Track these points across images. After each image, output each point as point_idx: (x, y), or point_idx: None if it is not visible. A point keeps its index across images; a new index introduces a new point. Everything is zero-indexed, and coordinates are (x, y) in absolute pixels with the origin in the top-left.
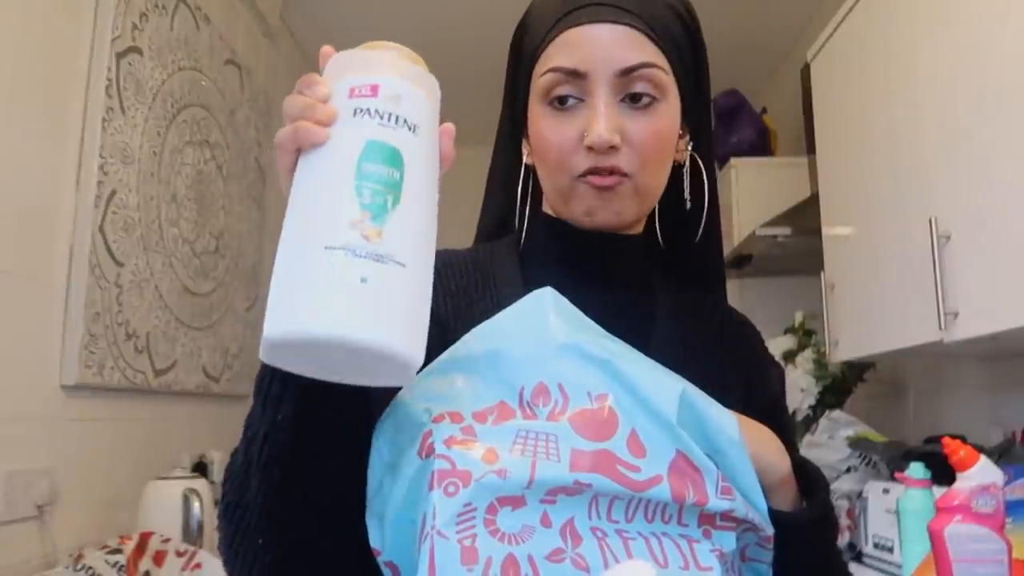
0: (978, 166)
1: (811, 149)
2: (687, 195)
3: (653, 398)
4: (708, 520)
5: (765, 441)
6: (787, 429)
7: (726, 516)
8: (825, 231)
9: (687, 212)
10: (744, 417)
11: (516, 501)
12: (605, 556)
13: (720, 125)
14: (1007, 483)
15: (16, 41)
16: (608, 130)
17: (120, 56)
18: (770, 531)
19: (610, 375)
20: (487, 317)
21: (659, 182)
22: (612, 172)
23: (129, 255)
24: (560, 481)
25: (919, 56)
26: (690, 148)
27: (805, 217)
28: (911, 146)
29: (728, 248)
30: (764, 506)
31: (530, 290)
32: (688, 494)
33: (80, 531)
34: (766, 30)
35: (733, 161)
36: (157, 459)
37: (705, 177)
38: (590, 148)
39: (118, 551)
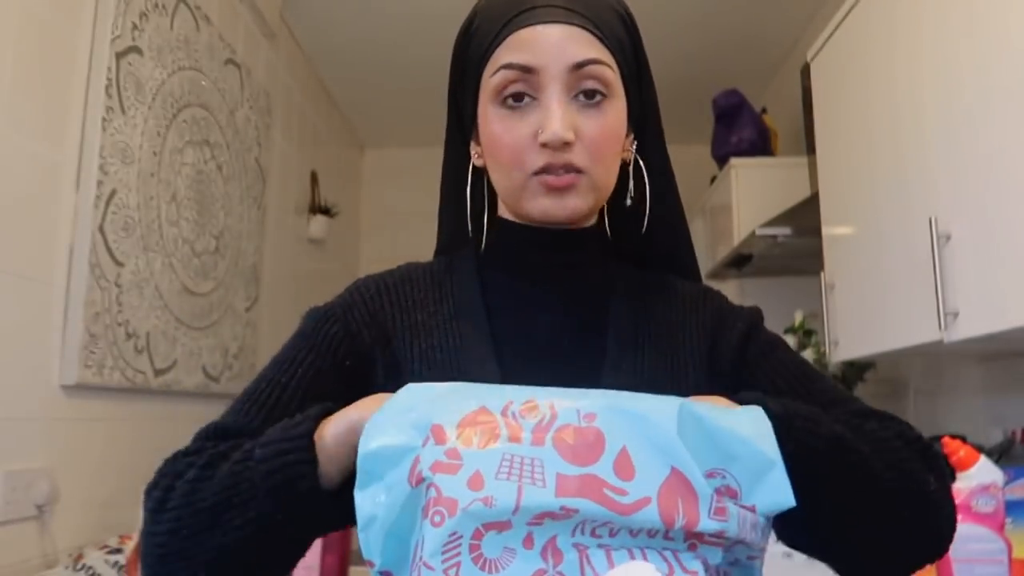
0: (978, 166)
1: (811, 149)
2: (631, 193)
3: (649, 412)
4: (695, 536)
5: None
6: (788, 362)
7: (719, 535)
8: (825, 231)
9: (636, 209)
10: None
11: (502, 525)
12: (584, 570)
13: (720, 125)
14: (1007, 483)
15: (16, 41)
16: (563, 127)
17: (120, 56)
18: (764, 543)
19: (602, 395)
20: (445, 329)
21: (611, 178)
22: (566, 169)
23: (129, 255)
24: (546, 506)
25: (919, 56)
26: (634, 148)
27: (805, 217)
28: (911, 146)
29: (728, 248)
30: (789, 503)
31: (487, 296)
32: (677, 517)
33: (80, 531)
34: (766, 30)
35: (733, 161)
36: (157, 459)
37: (646, 176)
38: (544, 145)
39: (118, 551)
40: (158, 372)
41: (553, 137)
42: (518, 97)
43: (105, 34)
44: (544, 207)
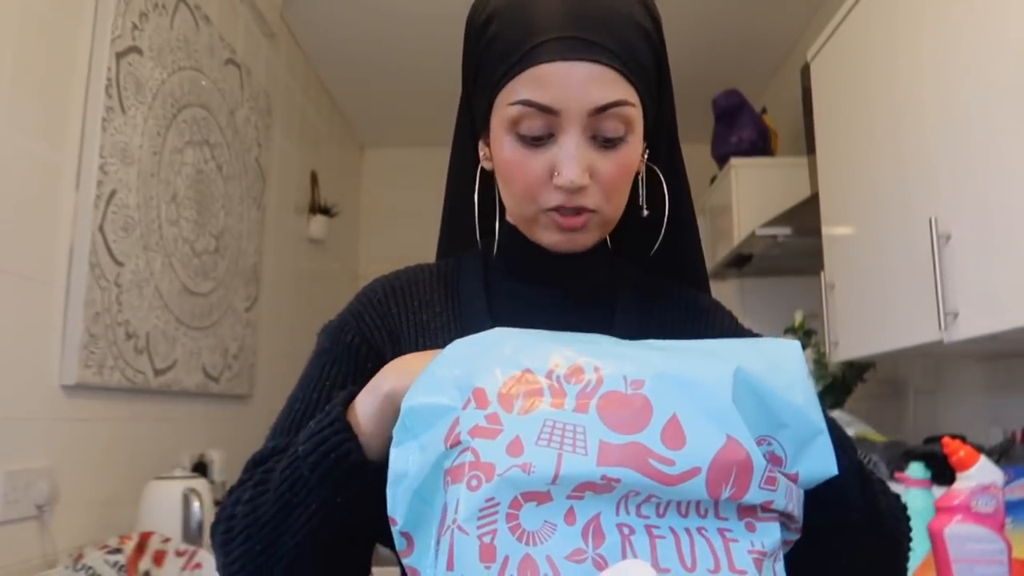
0: (978, 166)
1: (811, 149)
2: (643, 203)
3: (702, 379)
4: (749, 512)
5: None
6: None
7: (765, 507)
8: (825, 231)
9: (648, 218)
10: None
11: (542, 497)
12: (625, 556)
13: (720, 125)
14: (1007, 483)
15: (16, 41)
16: (579, 174)
17: (120, 56)
18: (800, 524)
19: (653, 352)
20: (449, 329)
21: (621, 209)
22: (579, 210)
23: (129, 255)
24: (586, 476)
25: (919, 56)
26: (646, 157)
27: (805, 217)
28: (911, 146)
29: (728, 248)
30: (832, 471)
31: (492, 299)
32: (725, 488)
33: (80, 531)
34: (766, 30)
35: (733, 161)
36: (157, 459)
37: (665, 186)
38: (559, 187)
39: (118, 551)
40: (158, 372)
41: (569, 183)
42: (536, 139)
43: (105, 34)
44: (554, 242)
